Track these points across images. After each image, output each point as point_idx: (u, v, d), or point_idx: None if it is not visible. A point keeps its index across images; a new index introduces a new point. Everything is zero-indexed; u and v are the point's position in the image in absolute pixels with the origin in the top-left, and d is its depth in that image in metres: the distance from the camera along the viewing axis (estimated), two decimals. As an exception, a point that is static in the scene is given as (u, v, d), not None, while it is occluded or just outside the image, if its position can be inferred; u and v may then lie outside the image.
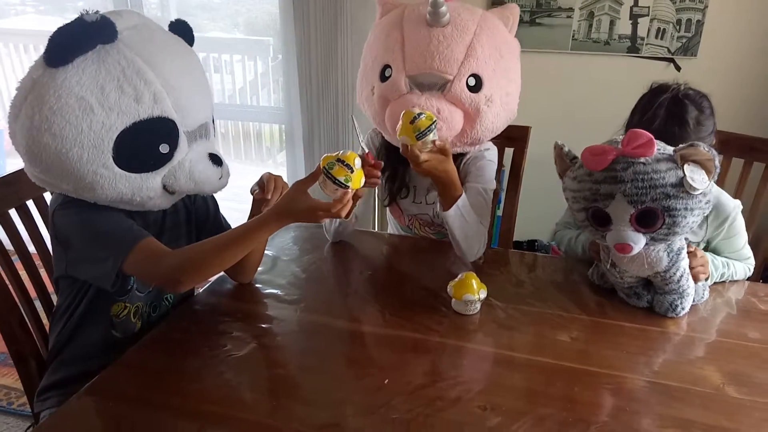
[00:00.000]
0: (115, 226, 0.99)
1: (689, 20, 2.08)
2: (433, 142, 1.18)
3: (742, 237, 1.25)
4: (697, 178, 0.96)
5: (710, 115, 1.19)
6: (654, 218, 1.00)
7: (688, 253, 1.16)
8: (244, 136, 3.85)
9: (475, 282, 1.13)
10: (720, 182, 1.62)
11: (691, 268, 1.15)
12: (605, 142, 1.05)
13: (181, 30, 1.07)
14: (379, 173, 1.14)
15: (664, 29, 2.11)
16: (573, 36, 2.18)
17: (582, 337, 1.08)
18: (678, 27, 2.10)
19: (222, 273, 1.25)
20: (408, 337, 1.08)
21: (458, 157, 1.40)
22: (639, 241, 1.02)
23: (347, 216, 1.01)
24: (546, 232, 1.89)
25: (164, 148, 0.97)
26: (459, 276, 1.15)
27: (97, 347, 1.07)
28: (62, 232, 1.00)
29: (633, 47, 2.16)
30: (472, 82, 1.27)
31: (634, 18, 2.12)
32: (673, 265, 1.09)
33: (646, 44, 2.15)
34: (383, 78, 1.28)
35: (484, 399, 0.91)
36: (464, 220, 1.29)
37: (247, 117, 3.67)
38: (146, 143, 0.96)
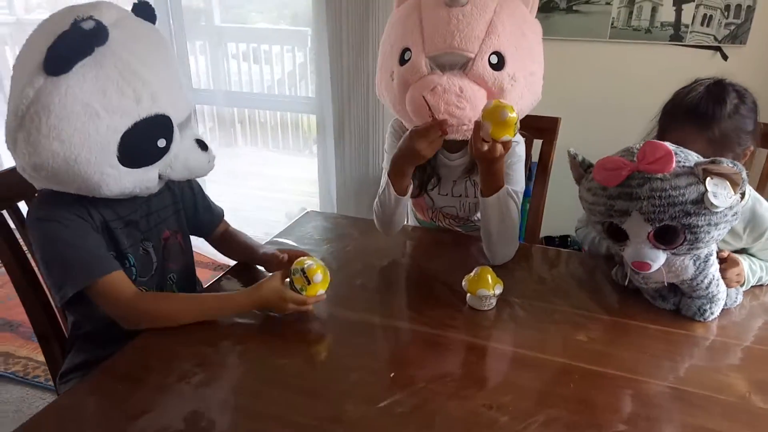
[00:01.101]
0: (86, 252, 1.01)
1: (739, 6, 1.96)
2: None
3: None
4: (720, 193, 0.88)
5: (752, 111, 1.10)
6: (674, 235, 0.93)
7: (722, 260, 1.10)
8: (282, 126, 3.88)
9: (490, 277, 1.10)
10: (762, 183, 1.53)
11: (724, 276, 1.09)
12: (620, 151, 0.98)
13: (146, 11, 1.08)
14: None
15: (711, 15, 2.00)
16: (612, 24, 2.09)
17: (601, 337, 1.04)
18: (726, 13, 1.99)
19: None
20: (419, 331, 1.06)
21: None
22: (658, 259, 0.96)
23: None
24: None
25: (162, 143, 1.01)
26: (474, 270, 1.12)
27: (113, 331, 1.09)
28: (36, 245, 1.03)
29: (676, 35, 2.05)
30: (494, 60, 1.22)
31: (678, 4, 2.01)
32: (700, 272, 1.03)
33: (691, 32, 2.04)
34: (402, 61, 1.24)
35: (490, 397, 0.88)
36: (501, 212, 1.25)
37: (285, 107, 3.69)
38: (147, 140, 0.99)
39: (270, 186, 3.64)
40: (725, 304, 1.10)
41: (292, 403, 0.88)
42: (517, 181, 1.33)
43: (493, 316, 1.11)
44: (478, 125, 1.14)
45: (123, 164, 0.97)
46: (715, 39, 2.03)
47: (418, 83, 1.22)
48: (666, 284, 1.09)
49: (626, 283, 1.17)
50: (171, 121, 1.01)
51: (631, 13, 2.07)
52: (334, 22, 2.31)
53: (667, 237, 0.93)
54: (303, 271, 1.07)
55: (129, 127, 0.95)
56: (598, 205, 0.98)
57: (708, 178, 0.88)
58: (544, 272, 1.30)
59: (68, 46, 0.88)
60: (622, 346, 1.02)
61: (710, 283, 1.04)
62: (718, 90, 1.09)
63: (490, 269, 1.11)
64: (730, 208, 0.91)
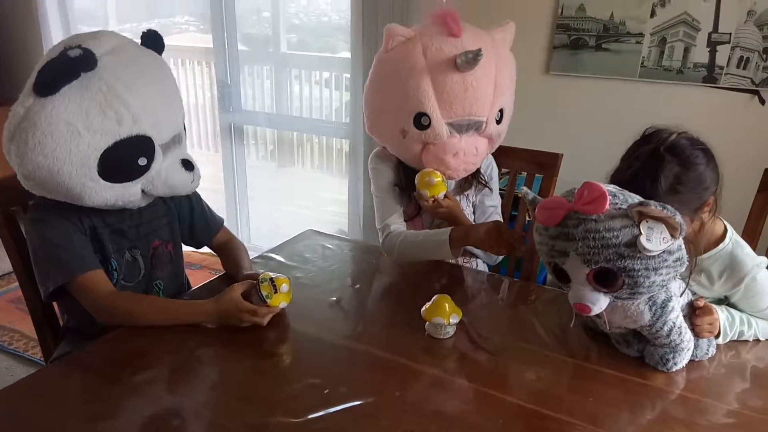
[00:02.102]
0: (69, 252, 1.11)
1: (778, 49, 1.88)
2: (445, 195, 1.36)
3: (765, 296, 1.10)
4: (654, 237, 0.85)
5: (705, 171, 1.01)
6: (612, 278, 0.90)
7: (696, 308, 1.05)
8: (327, 149, 4.02)
9: (447, 305, 1.11)
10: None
11: (695, 324, 1.04)
12: (563, 193, 0.96)
13: (153, 40, 1.18)
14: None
15: (748, 58, 1.92)
16: (642, 63, 2.05)
17: (549, 377, 1.02)
18: (764, 56, 1.90)
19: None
20: (371, 353, 1.08)
21: (476, 170, 1.49)
22: (598, 301, 0.93)
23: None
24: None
25: (142, 161, 1.09)
26: (433, 298, 1.13)
27: (97, 326, 1.18)
28: (29, 243, 1.15)
29: (710, 77, 1.98)
30: (498, 116, 1.37)
31: (712, 45, 1.95)
32: (657, 319, 0.99)
33: (726, 74, 1.96)
34: (420, 126, 1.32)
35: (416, 423, 0.89)
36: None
37: (331, 132, 3.82)
38: (126, 159, 1.08)
39: (316, 206, 3.77)
40: (694, 356, 1.05)
41: (225, 407, 0.93)
42: (495, 195, 1.56)
43: (450, 345, 1.11)
44: (420, 198, 1.35)
45: (104, 179, 1.06)
46: (753, 82, 1.94)
47: (439, 146, 1.34)
48: (628, 330, 1.06)
49: (596, 324, 1.14)
50: (153, 141, 1.10)
51: (662, 52, 2.02)
52: (370, 48, 2.40)
53: (605, 280, 0.91)
54: (272, 279, 1.13)
55: (109, 146, 1.04)
56: (542, 245, 0.97)
57: (643, 221, 0.85)
58: (515, 306, 1.29)
59: (54, 72, 0.99)
60: (570, 388, 1.00)
61: (670, 330, 1.00)
62: (653, 164, 1.00)
63: (448, 298, 1.12)
64: (670, 253, 0.87)
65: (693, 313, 1.05)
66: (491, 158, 1.55)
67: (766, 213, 1.47)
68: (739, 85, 1.96)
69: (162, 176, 1.13)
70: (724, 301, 1.14)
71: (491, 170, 1.56)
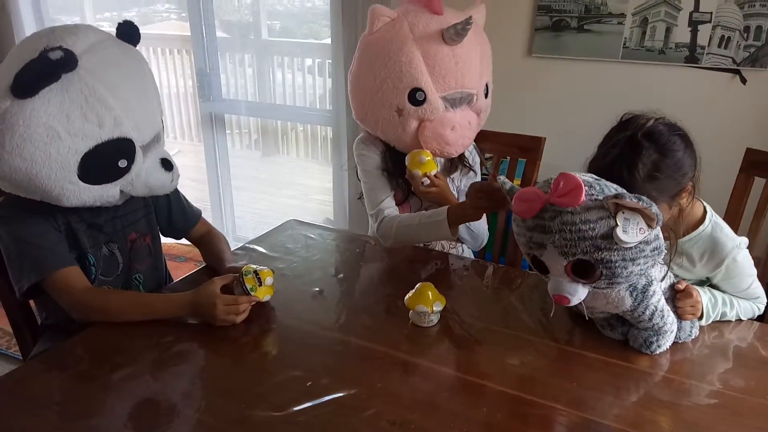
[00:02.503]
0: (42, 249, 1.08)
1: (759, 27, 1.87)
2: (436, 175, 1.36)
3: (746, 276, 1.10)
4: (631, 228, 0.84)
5: (683, 157, 1.00)
6: (590, 270, 0.89)
7: (678, 291, 1.05)
8: (312, 137, 3.98)
9: (431, 293, 1.10)
10: (760, 209, 1.45)
11: (677, 307, 1.04)
12: (541, 183, 0.95)
13: (128, 32, 1.14)
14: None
15: (729, 37, 1.91)
16: (624, 44, 2.03)
17: (534, 362, 1.01)
18: (745, 35, 1.89)
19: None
20: (355, 343, 1.07)
21: (461, 155, 1.50)
22: (577, 292, 0.92)
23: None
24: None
25: (123, 163, 1.07)
26: (416, 286, 1.12)
27: (75, 323, 1.16)
28: (0, 242, 1.12)
29: (692, 57, 1.97)
30: (485, 89, 1.43)
31: (693, 25, 1.94)
32: (639, 304, 0.98)
33: (707, 54, 1.95)
34: (415, 102, 1.33)
35: (398, 413, 0.88)
36: (470, 231, 1.47)
37: (314, 120, 3.78)
38: (107, 161, 1.05)
39: (303, 195, 3.74)
40: (678, 338, 1.05)
41: (206, 402, 0.91)
42: (478, 179, 1.56)
43: (433, 333, 1.10)
44: (412, 179, 1.35)
45: (83, 181, 1.04)
46: (734, 61, 1.93)
47: (436, 121, 1.35)
48: (611, 314, 1.06)
49: (584, 311, 1.14)
50: (133, 144, 1.07)
51: (644, 33, 2.00)
52: (350, 34, 2.36)
53: (583, 271, 0.90)
54: (256, 272, 1.11)
55: (90, 149, 1.02)
56: (520, 236, 0.96)
57: (619, 212, 0.84)
58: (499, 292, 1.28)
59: (34, 74, 0.95)
60: (554, 373, 0.99)
61: (653, 314, 1.00)
62: (630, 152, 0.98)
63: (431, 285, 1.11)
64: (647, 243, 0.87)
65: (675, 296, 1.05)
66: (473, 142, 1.53)
67: (748, 192, 1.47)
68: (720, 65, 1.95)
69: (142, 177, 1.11)
70: (707, 282, 1.14)
71: (474, 154, 1.56)
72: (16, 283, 1.10)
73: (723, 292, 1.12)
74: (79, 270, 1.12)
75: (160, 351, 1.03)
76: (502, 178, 1.02)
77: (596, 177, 0.91)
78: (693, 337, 1.08)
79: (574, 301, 0.93)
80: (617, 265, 0.87)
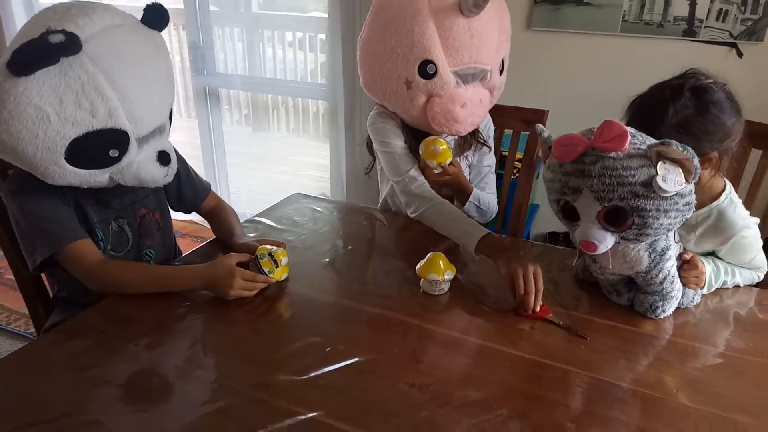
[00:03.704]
0: (53, 223, 1.08)
1: (756, 0, 1.89)
2: (451, 163, 1.35)
3: (751, 251, 1.14)
4: (670, 178, 0.87)
5: (720, 126, 1.03)
6: (623, 217, 0.92)
7: (684, 261, 1.08)
8: (304, 112, 3.96)
9: (442, 262, 1.12)
10: (756, 181, 1.48)
11: (682, 276, 1.07)
12: (581, 131, 0.97)
13: (154, 16, 1.10)
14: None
15: (727, 10, 1.93)
16: (623, 17, 2.04)
17: (543, 327, 1.05)
18: (743, 8, 1.91)
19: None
20: (367, 311, 1.09)
21: (475, 128, 1.46)
22: (605, 240, 0.95)
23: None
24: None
25: (114, 153, 1.04)
26: (427, 256, 1.14)
27: (88, 295, 1.17)
28: (10, 215, 1.12)
29: (690, 30, 1.99)
30: (501, 66, 1.36)
31: (692, -2, 1.95)
32: (654, 266, 1.02)
33: (705, 27, 1.97)
34: (425, 74, 1.27)
35: (414, 377, 0.91)
36: (472, 206, 1.46)
37: (307, 94, 3.76)
38: (97, 149, 1.02)
39: (295, 171, 3.73)
40: (681, 303, 1.09)
41: (227, 369, 0.93)
42: (492, 154, 1.57)
43: (444, 301, 1.13)
44: (426, 168, 1.36)
45: (70, 164, 1.01)
46: (731, 35, 1.95)
47: (446, 97, 1.30)
48: (622, 277, 1.09)
49: (586, 275, 1.17)
50: (128, 135, 1.04)
51: (643, 6, 2.01)
52: (347, 7, 2.34)
53: (616, 219, 0.93)
54: (271, 254, 1.13)
55: (79, 135, 0.99)
56: (554, 182, 0.98)
57: (660, 162, 0.87)
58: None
59: (31, 54, 0.92)
60: (562, 337, 1.02)
61: (665, 278, 1.03)
62: (670, 96, 1.02)
63: (443, 255, 1.13)
64: (681, 196, 0.90)
65: (681, 265, 1.08)
66: (488, 115, 1.52)
67: (745, 162, 1.50)
68: (717, 38, 1.97)
69: (133, 168, 1.08)
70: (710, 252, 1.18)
71: (489, 128, 1.54)
72: (29, 257, 1.10)
73: (726, 263, 1.16)
74: (91, 242, 1.12)
75: (176, 321, 1.05)
76: (539, 126, 1.05)
77: (636, 130, 0.93)
78: (695, 303, 1.11)
79: (601, 248, 0.95)
80: (650, 214, 0.90)
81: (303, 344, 0.99)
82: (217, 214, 1.37)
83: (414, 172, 1.40)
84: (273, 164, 3.77)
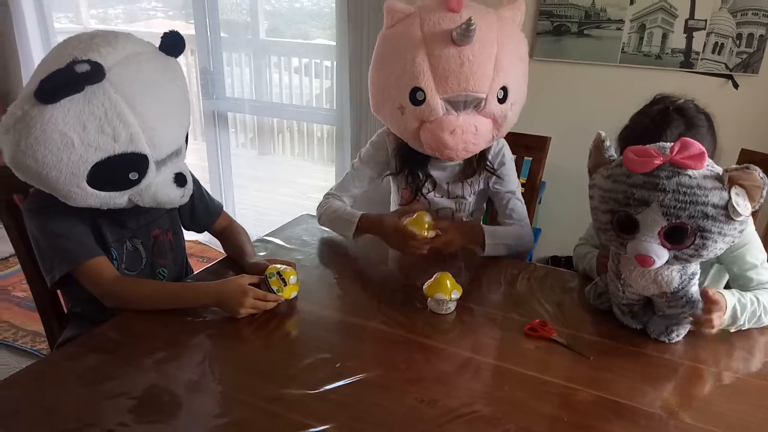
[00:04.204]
0: (71, 241, 1.13)
1: (751, 35, 1.96)
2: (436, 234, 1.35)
3: (754, 247, 1.13)
4: (741, 203, 0.91)
5: (706, 135, 1.10)
6: (684, 236, 0.94)
7: (707, 298, 1.04)
8: (308, 136, 4.03)
9: (449, 282, 1.15)
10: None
11: (704, 316, 1.04)
12: (651, 145, 0.97)
13: (171, 44, 1.14)
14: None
15: (722, 44, 2.00)
16: (622, 49, 2.11)
17: (548, 346, 1.07)
18: (738, 42, 1.98)
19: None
20: (377, 328, 1.12)
21: (482, 156, 1.48)
22: (662, 256, 0.96)
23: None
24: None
25: (133, 176, 1.08)
26: (434, 275, 1.17)
27: (102, 311, 1.19)
28: (29, 233, 1.16)
29: (687, 62, 2.06)
30: (501, 94, 1.33)
31: (689, 31, 2.02)
32: (682, 288, 1.04)
33: (702, 59, 2.04)
34: (415, 101, 1.30)
35: (423, 392, 0.93)
36: (503, 243, 1.43)
37: (311, 118, 3.83)
38: (117, 172, 1.07)
39: (301, 193, 3.78)
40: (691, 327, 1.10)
41: (241, 383, 0.96)
42: (514, 180, 1.52)
43: (451, 319, 1.16)
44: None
45: (91, 186, 1.05)
46: (727, 67, 2.02)
47: (435, 124, 1.31)
48: (640, 299, 1.10)
49: (599, 302, 1.19)
50: (147, 159, 1.08)
51: (641, 38, 2.08)
52: (356, 35, 2.41)
53: (676, 237, 0.94)
54: (279, 273, 1.16)
55: (101, 160, 1.03)
56: (615, 193, 0.98)
57: (732, 187, 0.90)
58: (511, 283, 1.33)
59: (57, 83, 0.97)
60: (566, 356, 1.05)
61: (687, 302, 1.05)
62: (661, 121, 1.09)
63: (449, 275, 1.17)
64: (741, 223, 0.93)
65: (703, 300, 1.05)
66: (502, 143, 1.52)
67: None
68: (714, 70, 2.04)
69: (151, 190, 1.12)
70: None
71: (501, 156, 1.51)
72: (47, 273, 1.14)
73: (730, 269, 1.14)
74: (107, 260, 1.16)
75: (189, 336, 1.08)
76: (602, 133, 1.05)
77: None
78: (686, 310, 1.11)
79: (657, 264, 0.97)
80: (712, 237, 0.92)
81: (313, 360, 1.02)
82: (229, 234, 1.40)
83: (339, 191, 1.53)
84: (278, 186, 3.82)
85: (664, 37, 2.05)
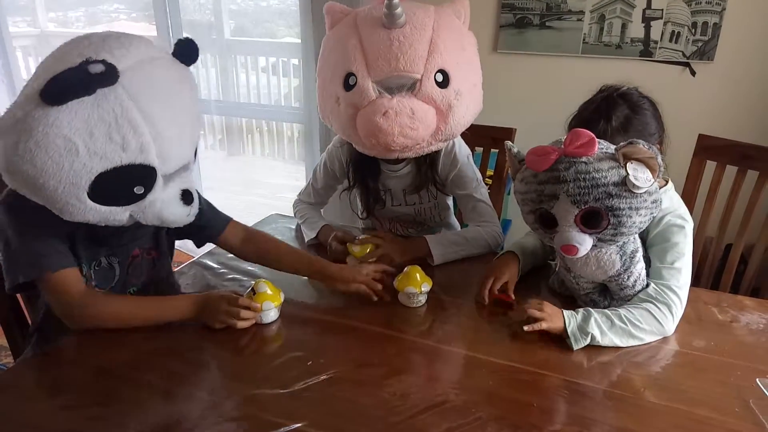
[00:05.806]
0: (47, 246, 1.04)
1: (705, 23, 2.01)
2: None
3: (676, 253, 1.11)
4: (640, 176, 0.94)
5: (651, 119, 1.14)
6: (598, 218, 0.98)
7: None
8: (278, 135, 4.00)
9: (419, 275, 1.16)
10: (712, 191, 1.57)
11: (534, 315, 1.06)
12: (551, 142, 1.03)
13: (185, 51, 1.06)
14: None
15: (679, 32, 2.05)
16: (584, 39, 2.15)
17: (521, 334, 1.08)
18: (693, 30, 2.03)
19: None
20: (348, 325, 1.12)
21: (435, 156, 1.44)
22: (584, 242, 1.01)
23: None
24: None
25: (139, 190, 0.99)
26: (404, 269, 1.18)
27: (69, 332, 1.14)
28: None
29: (646, 51, 2.10)
30: (439, 78, 1.26)
31: (647, 21, 2.07)
32: (626, 269, 1.08)
33: (660, 48, 2.08)
34: (348, 87, 1.26)
35: (396, 386, 0.94)
36: (452, 249, 1.38)
37: (280, 117, 3.81)
38: (122, 185, 0.98)
39: (270, 194, 3.75)
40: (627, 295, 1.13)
41: (215, 386, 0.96)
42: (472, 180, 1.47)
43: (422, 312, 1.17)
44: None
45: (92, 200, 0.97)
46: (684, 55, 2.07)
47: (368, 108, 1.24)
48: (595, 285, 1.14)
49: (563, 289, 1.23)
50: (155, 171, 0.99)
51: (602, 29, 2.12)
52: (321, 32, 2.39)
53: (592, 221, 0.99)
54: (253, 290, 1.13)
55: (106, 170, 0.94)
56: (529, 193, 1.03)
57: (628, 163, 0.94)
58: (481, 272, 1.34)
59: (68, 83, 0.89)
60: (537, 342, 1.06)
61: (635, 281, 1.09)
62: (606, 106, 1.13)
63: (419, 268, 1.17)
64: (649, 194, 0.97)
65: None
66: (454, 144, 1.46)
67: (701, 175, 1.59)
68: (672, 58, 2.09)
69: (156, 207, 1.02)
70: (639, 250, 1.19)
71: (453, 157, 1.45)
72: (9, 275, 1.06)
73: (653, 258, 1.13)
74: (78, 273, 1.09)
75: (160, 342, 1.06)
76: (508, 143, 1.11)
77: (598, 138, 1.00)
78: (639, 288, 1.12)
79: (582, 251, 1.01)
80: (624, 213, 0.96)
81: (286, 359, 1.02)
82: (251, 239, 1.32)
83: (317, 194, 1.61)
84: (249, 187, 3.79)
85: (624, 27, 2.10)
